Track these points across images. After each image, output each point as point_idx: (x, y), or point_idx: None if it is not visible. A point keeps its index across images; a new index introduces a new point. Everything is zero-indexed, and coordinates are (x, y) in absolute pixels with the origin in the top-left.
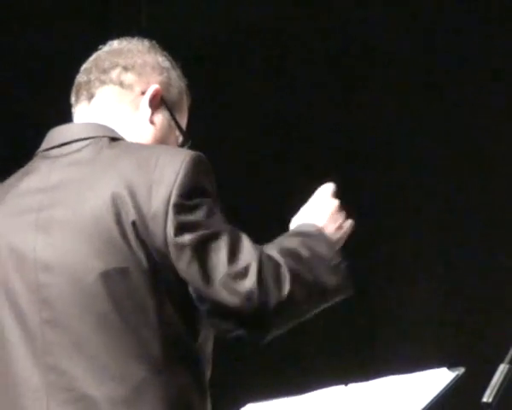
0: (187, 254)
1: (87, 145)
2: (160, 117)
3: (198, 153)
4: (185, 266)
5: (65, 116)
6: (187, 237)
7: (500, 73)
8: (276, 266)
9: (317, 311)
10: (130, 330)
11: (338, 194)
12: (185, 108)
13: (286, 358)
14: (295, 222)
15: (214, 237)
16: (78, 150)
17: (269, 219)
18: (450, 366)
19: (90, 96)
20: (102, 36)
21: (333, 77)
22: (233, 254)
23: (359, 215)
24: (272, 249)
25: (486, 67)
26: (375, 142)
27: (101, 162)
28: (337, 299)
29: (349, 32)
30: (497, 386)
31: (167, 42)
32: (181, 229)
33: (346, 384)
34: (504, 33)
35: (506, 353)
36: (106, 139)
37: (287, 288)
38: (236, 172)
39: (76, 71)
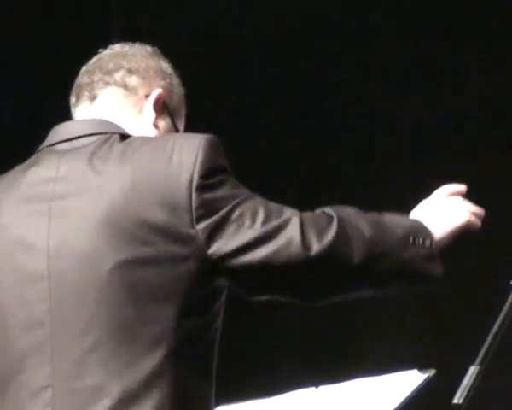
0: (220, 228)
1: (98, 140)
2: (163, 122)
3: (211, 135)
4: (221, 240)
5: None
6: (217, 215)
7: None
8: (325, 217)
9: (382, 284)
10: (142, 321)
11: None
12: (184, 115)
13: (257, 360)
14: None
15: (244, 203)
16: (88, 145)
17: None
18: (421, 368)
19: (93, 97)
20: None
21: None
22: (269, 213)
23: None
24: (326, 207)
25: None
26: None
27: (114, 155)
28: (406, 283)
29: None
30: (468, 388)
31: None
32: (208, 208)
33: (317, 386)
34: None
35: (476, 355)
36: (117, 135)
37: (330, 234)
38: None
39: (50, 76)
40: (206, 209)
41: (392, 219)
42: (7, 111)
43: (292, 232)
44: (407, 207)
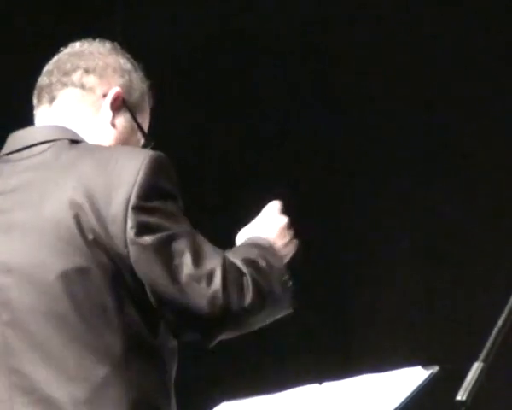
0: (148, 255)
1: (47, 149)
2: (122, 120)
3: (158, 153)
4: (146, 267)
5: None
6: (148, 239)
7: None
8: (240, 274)
9: (264, 323)
10: (91, 331)
11: (285, 211)
12: (147, 109)
13: (261, 356)
14: (244, 234)
15: (176, 238)
16: (38, 154)
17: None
18: (425, 365)
19: (52, 99)
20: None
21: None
22: (197, 256)
23: (334, 217)
24: (235, 257)
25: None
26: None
27: (60, 165)
28: (283, 313)
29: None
30: (472, 384)
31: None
32: (141, 230)
33: (321, 383)
34: None
35: (480, 351)
36: (66, 141)
37: (249, 297)
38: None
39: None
40: (138, 231)
41: (269, 260)
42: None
43: (215, 288)
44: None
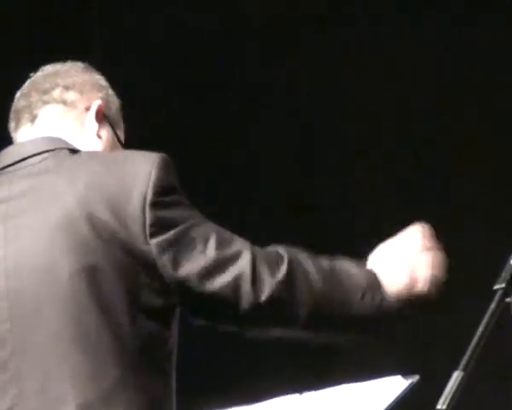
0: (172, 247)
1: (48, 157)
2: (105, 132)
3: (164, 154)
4: (171, 260)
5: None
6: (171, 232)
7: None
8: (276, 255)
9: (324, 332)
10: (104, 331)
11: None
12: (122, 125)
13: (240, 366)
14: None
15: (197, 226)
16: (40, 162)
17: None
18: (405, 374)
19: (33, 118)
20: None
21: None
22: (221, 241)
23: (318, 216)
24: (280, 248)
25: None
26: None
27: (66, 169)
28: (361, 333)
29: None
30: (452, 393)
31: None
32: (162, 226)
33: (301, 393)
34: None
35: (460, 360)
36: (66, 151)
37: (280, 274)
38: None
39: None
40: (159, 227)
41: (345, 268)
42: None
43: (242, 267)
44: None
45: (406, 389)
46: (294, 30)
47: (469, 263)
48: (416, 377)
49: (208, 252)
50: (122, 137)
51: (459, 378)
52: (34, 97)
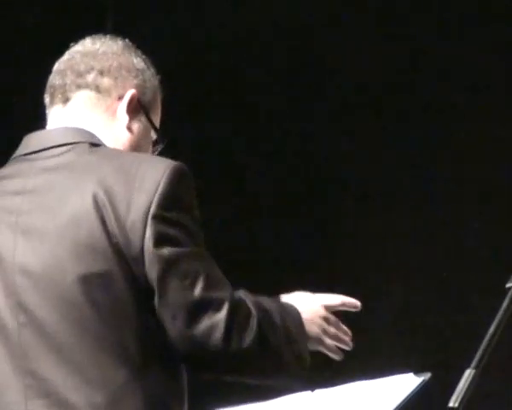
0: (163, 266)
1: (67, 151)
2: (137, 123)
3: (180, 164)
4: (158, 277)
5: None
6: (166, 250)
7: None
8: (248, 314)
9: (265, 380)
10: (110, 335)
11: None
12: (159, 105)
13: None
14: (283, 298)
15: (192, 257)
16: (58, 155)
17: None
18: (417, 372)
19: (66, 100)
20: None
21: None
22: (209, 282)
23: (325, 227)
24: (247, 297)
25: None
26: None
27: (81, 168)
28: (289, 383)
29: None
30: (464, 391)
31: None
32: (160, 240)
33: (313, 390)
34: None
35: (472, 358)
36: (86, 145)
37: (250, 339)
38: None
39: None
40: (156, 242)
41: (288, 324)
42: None
43: (218, 319)
44: None
45: (418, 386)
46: None
47: (482, 261)
48: (427, 375)
49: (195, 290)
50: (157, 119)
51: (471, 376)
52: (69, 78)
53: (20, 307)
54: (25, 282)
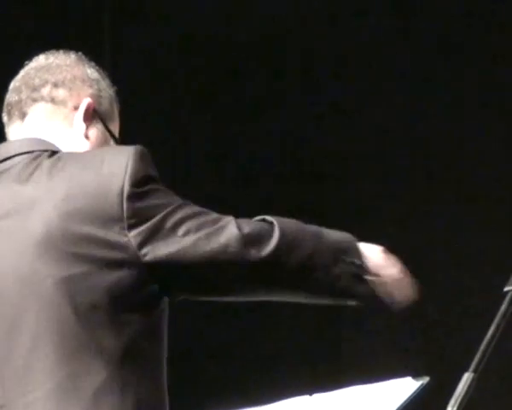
0: (153, 235)
1: (27, 159)
2: (95, 130)
3: (139, 146)
4: (162, 244)
5: None
6: (149, 222)
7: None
8: (265, 223)
9: (309, 297)
10: (89, 335)
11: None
12: (117, 116)
13: (250, 368)
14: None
15: (180, 208)
16: (17, 164)
17: None
18: (415, 376)
19: (23, 115)
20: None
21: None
22: (205, 218)
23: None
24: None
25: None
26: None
27: (43, 172)
28: (332, 298)
29: None
30: (462, 395)
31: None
32: (140, 216)
33: (311, 394)
34: None
35: (470, 361)
36: (45, 153)
37: (272, 245)
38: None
39: None
40: (138, 217)
41: (330, 234)
42: None
43: (229, 236)
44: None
45: (416, 390)
46: None
47: (481, 265)
48: (426, 379)
49: (190, 233)
50: (116, 130)
51: (469, 380)
52: (24, 94)
53: None
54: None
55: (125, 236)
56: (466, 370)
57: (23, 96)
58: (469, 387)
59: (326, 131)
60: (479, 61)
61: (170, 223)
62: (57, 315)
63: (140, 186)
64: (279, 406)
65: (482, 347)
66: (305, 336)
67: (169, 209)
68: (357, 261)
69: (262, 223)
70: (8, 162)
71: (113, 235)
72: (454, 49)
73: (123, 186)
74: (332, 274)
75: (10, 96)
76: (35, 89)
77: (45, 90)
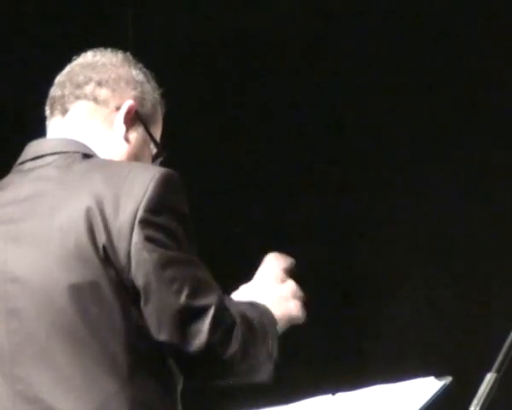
0: (149, 271)
1: (59, 159)
2: (135, 134)
3: (170, 170)
4: (144, 283)
5: None
6: (152, 255)
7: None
8: (232, 323)
9: (238, 381)
10: (98, 343)
11: (292, 269)
12: (160, 119)
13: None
14: (247, 291)
15: (179, 263)
16: (50, 163)
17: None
18: (438, 375)
19: (64, 111)
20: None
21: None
22: (195, 289)
23: (348, 233)
24: (232, 305)
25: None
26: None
27: (72, 177)
28: (258, 381)
29: None
30: (485, 395)
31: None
32: (146, 245)
33: (334, 394)
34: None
35: (493, 362)
36: (78, 155)
37: (233, 348)
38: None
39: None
40: (143, 246)
41: (266, 329)
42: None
43: (202, 327)
44: None
45: (439, 390)
46: None
47: (503, 264)
48: (448, 379)
49: (180, 297)
50: (158, 133)
51: (492, 380)
52: (68, 89)
53: (12, 314)
54: (16, 289)
55: (128, 259)
56: (489, 370)
57: (66, 91)
58: (492, 387)
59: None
60: None
61: (165, 274)
62: (67, 324)
63: (154, 215)
64: (302, 405)
65: (505, 347)
66: (326, 335)
67: (171, 256)
68: (274, 348)
69: (230, 321)
70: (39, 161)
71: (119, 255)
72: None
73: (137, 209)
74: (264, 369)
75: (54, 91)
76: (79, 86)
77: (88, 88)
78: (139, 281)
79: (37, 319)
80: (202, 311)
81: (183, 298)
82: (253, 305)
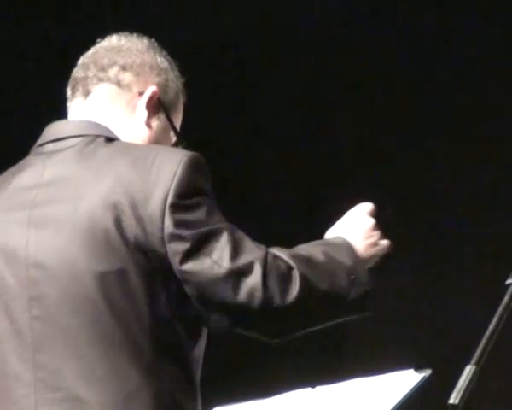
0: (186, 250)
1: (82, 142)
2: (156, 120)
3: (196, 153)
4: (184, 262)
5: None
6: (187, 233)
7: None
8: (286, 268)
9: (332, 322)
10: (124, 333)
11: (375, 214)
12: (181, 108)
13: (253, 360)
14: (328, 235)
15: (215, 233)
16: (73, 146)
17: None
18: (417, 368)
19: (87, 93)
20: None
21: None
22: (236, 250)
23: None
24: (283, 252)
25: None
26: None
27: (96, 161)
28: (350, 316)
29: None
30: (464, 388)
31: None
32: (179, 227)
33: (314, 387)
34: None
35: (472, 354)
36: (101, 138)
37: (294, 292)
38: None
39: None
40: (176, 230)
41: (336, 254)
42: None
43: (254, 282)
44: None
45: (419, 383)
46: None
47: (482, 257)
48: (428, 372)
49: (222, 262)
50: (178, 121)
51: (471, 373)
52: (91, 71)
53: (33, 299)
54: (39, 275)
55: (163, 246)
56: (468, 363)
57: (90, 73)
58: (471, 380)
59: None
60: None
61: (205, 247)
62: (93, 313)
63: (184, 198)
64: (282, 398)
65: (484, 339)
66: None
67: (207, 230)
68: (363, 280)
69: (283, 267)
70: (62, 143)
71: (151, 242)
72: None
73: (167, 194)
74: (350, 298)
75: (77, 72)
76: (103, 68)
77: (112, 72)
78: (177, 265)
79: (61, 306)
80: (249, 268)
81: (225, 264)
82: (319, 243)
